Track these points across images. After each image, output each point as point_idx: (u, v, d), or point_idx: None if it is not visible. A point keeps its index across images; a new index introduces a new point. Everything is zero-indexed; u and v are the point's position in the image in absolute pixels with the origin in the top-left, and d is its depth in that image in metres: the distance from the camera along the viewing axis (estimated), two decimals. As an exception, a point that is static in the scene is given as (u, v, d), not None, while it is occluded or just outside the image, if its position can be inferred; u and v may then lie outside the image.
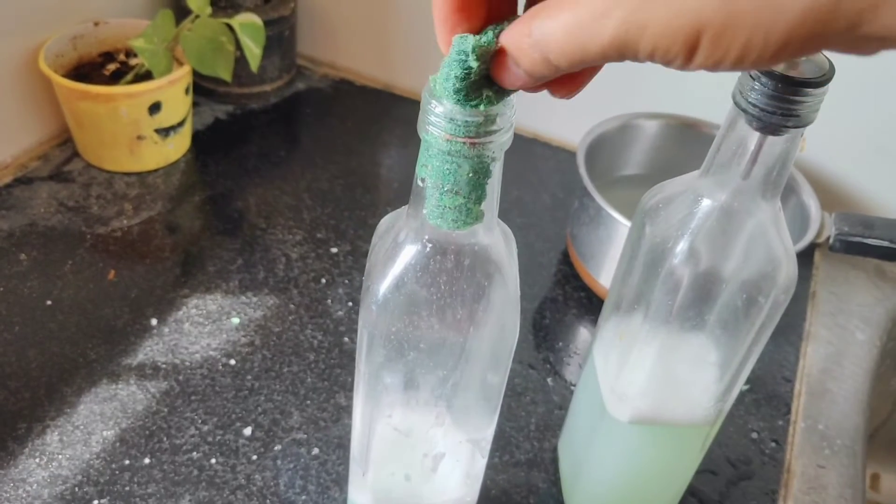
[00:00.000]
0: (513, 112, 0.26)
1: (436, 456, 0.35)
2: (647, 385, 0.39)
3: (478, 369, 0.31)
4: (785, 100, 0.30)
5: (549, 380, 0.56)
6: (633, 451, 0.43)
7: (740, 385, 0.40)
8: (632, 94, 0.71)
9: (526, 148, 0.78)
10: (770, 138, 0.31)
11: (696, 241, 0.34)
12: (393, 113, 0.79)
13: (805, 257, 0.68)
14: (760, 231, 0.34)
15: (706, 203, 0.34)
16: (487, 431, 0.35)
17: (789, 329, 0.63)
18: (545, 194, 0.73)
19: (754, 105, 0.30)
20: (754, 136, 0.32)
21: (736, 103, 0.31)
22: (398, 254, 0.30)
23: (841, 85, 0.64)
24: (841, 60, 0.66)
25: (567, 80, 0.24)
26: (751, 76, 0.30)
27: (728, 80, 0.71)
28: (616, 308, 0.40)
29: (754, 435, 0.54)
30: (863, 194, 0.69)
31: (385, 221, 0.32)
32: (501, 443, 0.51)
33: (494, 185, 0.28)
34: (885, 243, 0.56)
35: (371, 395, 0.33)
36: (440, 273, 0.29)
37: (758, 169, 0.32)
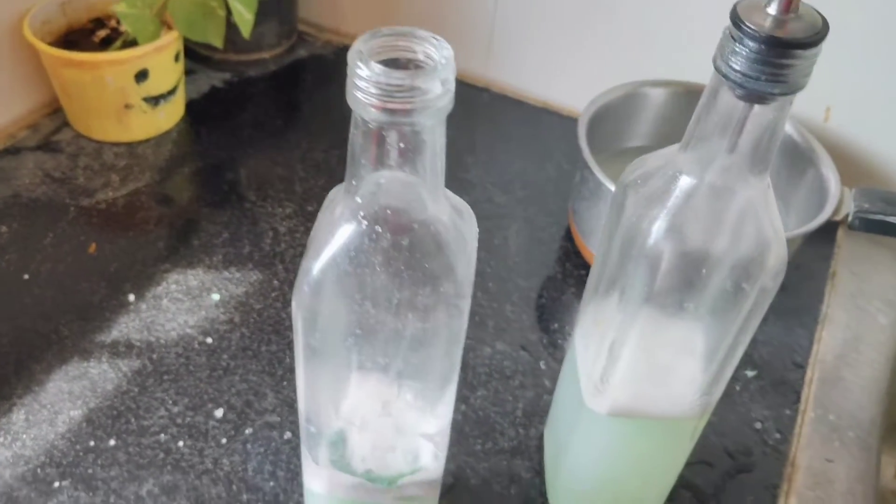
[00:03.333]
0: (446, 77, 0.23)
1: (387, 448, 0.33)
2: (627, 375, 0.36)
3: (422, 358, 0.28)
4: (771, 63, 0.26)
5: (541, 363, 0.53)
6: (613, 444, 0.40)
7: (728, 376, 0.36)
8: (647, 61, 0.67)
9: (534, 117, 0.74)
10: (756, 107, 0.28)
11: (675, 219, 0.31)
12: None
13: (826, 235, 0.64)
14: (747, 210, 0.31)
15: (687, 179, 0.31)
16: (442, 424, 0.32)
17: (804, 311, 0.59)
18: (550, 166, 0.69)
19: (737, 70, 0.27)
20: (738, 106, 0.28)
21: (717, 68, 0.28)
22: (335, 231, 0.27)
23: (870, 50, 0.60)
24: (869, 26, 0.61)
25: None
26: (732, 37, 0.27)
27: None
28: (595, 291, 0.37)
29: (758, 425, 0.51)
30: (890, 169, 0.65)
31: (332, 193, 0.30)
32: (485, 429, 0.48)
33: (436, 156, 0.25)
34: (909, 222, 0.52)
35: (311, 383, 0.30)
36: (375, 253, 0.26)
37: (743, 142, 0.29)
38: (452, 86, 0.24)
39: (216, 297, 0.54)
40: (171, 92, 0.65)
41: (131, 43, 0.62)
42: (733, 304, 0.33)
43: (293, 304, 0.28)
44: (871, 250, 0.65)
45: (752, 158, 0.29)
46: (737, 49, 0.26)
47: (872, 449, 0.52)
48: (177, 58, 0.65)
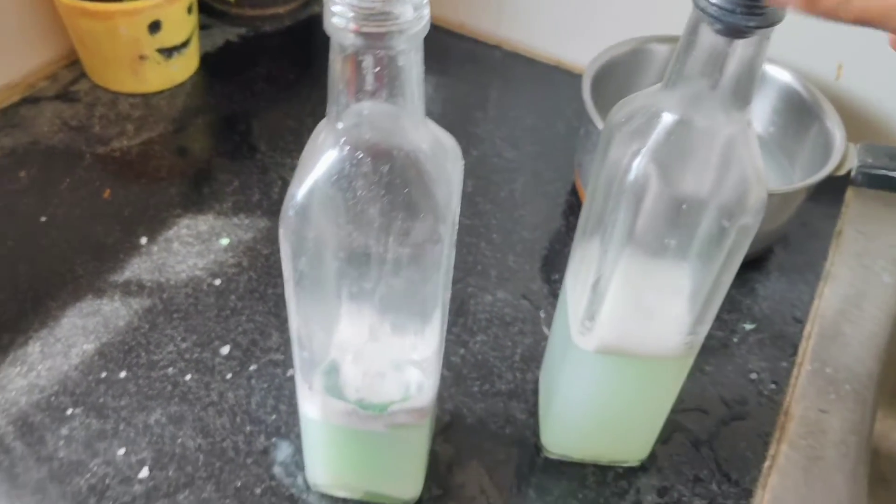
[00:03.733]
0: (418, 2, 0.24)
1: (376, 374, 0.34)
2: (613, 314, 0.37)
3: (404, 283, 0.29)
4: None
5: (540, 312, 0.54)
6: (601, 382, 0.41)
7: (713, 316, 0.37)
8: (657, 18, 0.66)
9: (545, 75, 0.75)
10: (734, 42, 0.28)
11: (656, 155, 0.31)
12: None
13: (834, 195, 0.64)
14: (728, 147, 0.31)
15: (667, 117, 0.31)
16: (427, 352, 0.33)
17: (806, 267, 0.59)
18: (560, 122, 0.69)
19: (714, 4, 0.27)
20: (717, 41, 0.28)
21: (695, 3, 0.28)
22: (318, 158, 0.28)
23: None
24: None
25: None
26: None
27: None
28: (583, 232, 0.38)
29: (753, 375, 0.51)
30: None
31: (319, 126, 0.31)
32: (483, 372, 0.50)
33: (414, 84, 0.26)
34: (913, 176, 0.52)
35: (301, 309, 0.31)
36: (356, 178, 0.27)
37: (723, 78, 0.29)
38: (426, 11, 0.24)
39: (225, 241, 0.56)
40: (185, 44, 0.67)
41: (147, -5, 0.64)
42: (715, 242, 0.34)
43: (280, 230, 0.29)
44: (880, 211, 0.64)
45: (732, 94, 0.29)
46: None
47: (868, 402, 0.52)
48: (189, 10, 0.66)
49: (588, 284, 0.37)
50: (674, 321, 0.38)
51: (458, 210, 0.32)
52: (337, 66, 0.25)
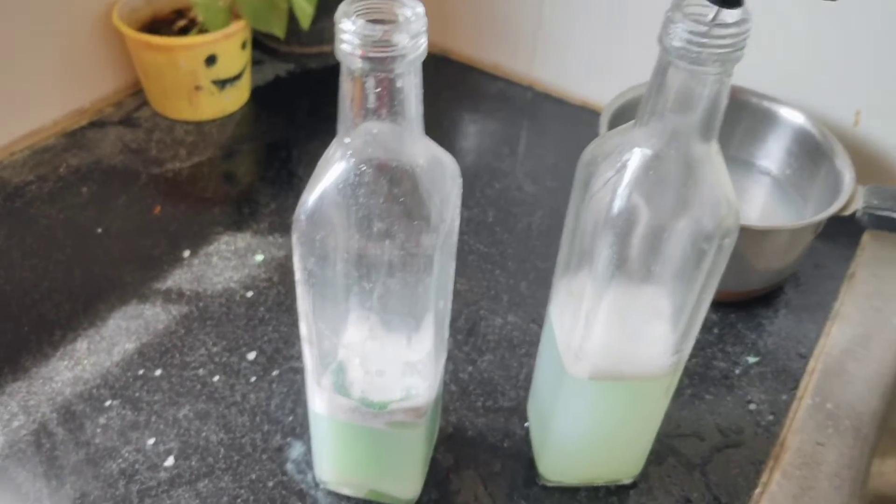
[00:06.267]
0: (415, 31, 0.28)
1: (376, 373, 0.37)
2: (603, 341, 0.39)
3: (398, 284, 0.33)
4: (708, 36, 0.30)
5: (550, 336, 0.56)
6: (595, 407, 0.43)
7: (695, 334, 0.40)
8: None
9: (572, 114, 0.78)
10: (700, 78, 0.31)
11: (636, 190, 0.34)
12: (445, 77, 0.81)
13: (850, 238, 0.65)
14: (700, 176, 0.34)
15: (644, 152, 0.34)
16: (421, 353, 0.37)
17: (816, 307, 0.60)
18: (583, 161, 0.72)
19: (679, 47, 0.30)
20: (683, 78, 0.31)
21: (662, 45, 0.31)
22: (328, 169, 0.32)
23: None
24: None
25: None
26: (671, 20, 0.30)
27: (771, 44, 0.69)
28: (566, 266, 0.41)
29: (752, 406, 0.53)
30: (914, 173, 0.66)
31: (332, 143, 0.35)
32: (488, 388, 0.52)
33: (413, 104, 0.30)
34: (915, 219, 0.53)
35: (311, 308, 0.35)
36: (360, 187, 0.31)
37: (690, 112, 0.32)
38: (423, 40, 0.28)
39: (259, 257, 0.60)
40: (238, 77, 0.72)
41: (205, 31, 0.70)
42: (695, 264, 0.36)
43: (293, 234, 0.33)
44: (895, 255, 0.66)
45: (700, 127, 0.32)
46: (679, 28, 0.30)
47: (868, 440, 0.53)
48: (244, 45, 0.72)
49: (578, 316, 0.39)
50: (660, 342, 0.40)
51: (455, 223, 0.35)
52: (346, 88, 0.29)
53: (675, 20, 0.30)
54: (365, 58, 0.28)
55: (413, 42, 0.28)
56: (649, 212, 0.35)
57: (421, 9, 0.28)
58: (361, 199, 0.31)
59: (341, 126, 0.31)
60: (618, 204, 0.35)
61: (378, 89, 0.29)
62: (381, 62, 0.28)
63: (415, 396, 0.39)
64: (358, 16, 0.28)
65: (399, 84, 0.29)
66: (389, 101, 0.29)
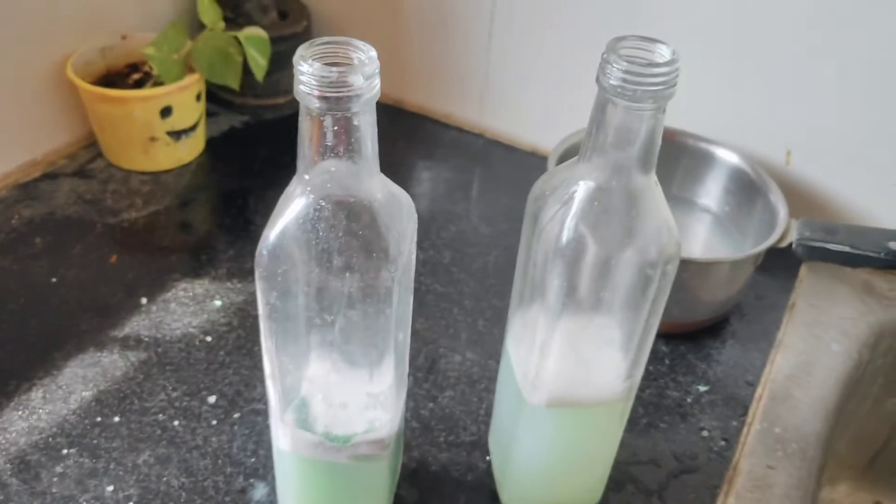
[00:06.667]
0: (369, 73, 0.30)
1: (339, 405, 0.38)
2: (558, 369, 0.40)
3: (359, 315, 0.34)
4: (642, 75, 0.32)
5: (508, 371, 0.58)
6: (555, 434, 0.44)
7: (645, 359, 0.41)
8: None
9: (523, 160, 0.81)
10: (637, 114, 0.34)
11: (583, 221, 0.36)
12: (400, 126, 0.84)
13: (788, 271, 0.68)
14: (641, 206, 0.36)
15: (588, 185, 0.36)
16: (383, 385, 0.37)
17: (760, 336, 0.63)
18: (533, 203, 0.75)
19: (616, 85, 0.33)
20: (621, 114, 0.34)
21: (601, 85, 0.33)
22: (288, 205, 0.33)
23: (829, 99, 0.65)
24: (831, 75, 0.66)
25: None
26: (607, 61, 0.33)
27: (706, 90, 0.72)
28: (520, 299, 0.42)
29: (705, 433, 0.55)
30: (843, 205, 0.69)
31: (291, 181, 0.36)
32: (449, 424, 0.53)
33: (368, 141, 0.32)
34: (846, 248, 0.57)
35: (273, 343, 0.36)
36: (319, 221, 0.32)
37: (629, 146, 0.34)
38: (376, 81, 0.30)
39: (218, 303, 0.61)
40: (193, 128, 0.73)
41: (160, 84, 0.71)
42: (641, 290, 0.38)
43: (255, 269, 0.34)
44: (832, 285, 0.69)
45: (639, 160, 0.35)
46: (616, 68, 0.32)
47: (815, 461, 0.55)
48: (198, 97, 0.73)
49: (533, 347, 0.41)
50: (612, 369, 0.42)
51: (412, 257, 0.37)
52: (304, 127, 0.31)
53: (611, 61, 0.32)
54: (322, 97, 0.29)
55: (368, 83, 0.30)
56: (596, 241, 0.37)
57: (373, 52, 0.30)
58: (321, 233, 0.32)
59: (300, 164, 0.32)
60: (566, 235, 0.37)
61: (335, 128, 0.30)
62: (337, 101, 0.29)
63: (378, 429, 0.40)
64: (314, 59, 0.30)
65: (355, 122, 0.30)
66: (346, 139, 0.31)
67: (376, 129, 0.32)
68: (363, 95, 0.30)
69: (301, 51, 0.30)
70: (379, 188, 0.33)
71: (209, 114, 0.79)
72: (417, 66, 0.85)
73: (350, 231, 0.32)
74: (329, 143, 0.31)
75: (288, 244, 0.33)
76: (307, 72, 0.29)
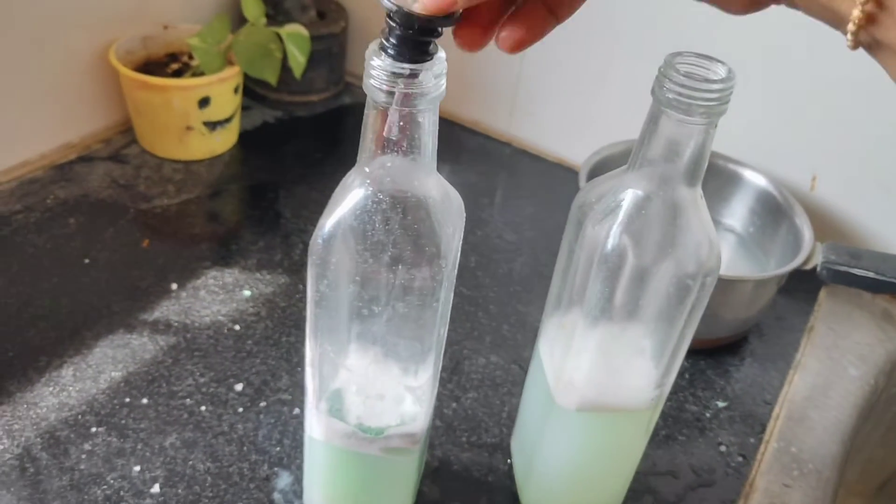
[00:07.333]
0: (437, 72, 0.30)
1: (376, 396, 0.39)
2: (591, 374, 0.41)
3: (407, 308, 0.35)
4: (697, 90, 0.33)
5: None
6: (582, 438, 0.45)
7: (676, 370, 0.42)
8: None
9: (549, 171, 0.82)
10: (689, 128, 0.34)
11: (627, 230, 0.37)
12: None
13: (808, 294, 0.69)
14: (685, 218, 0.37)
15: (635, 194, 0.37)
16: (422, 379, 0.38)
17: (779, 356, 0.63)
18: (558, 212, 0.75)
19: (671, 98, 0.33)
20: (674, 128, 0.35)
21: (655, 97, 0.34)
22: (346, 195, 0.34)
23: (856, 127, 0.66)
24: (859, 103, 0.67)
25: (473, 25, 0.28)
26: (664, 74, 0.33)
27: (737, 112, 0.73)
28: (558, 303, 0.43)
29: (723, 448, 0.55)
30: (867, 231, 0.70)
31: (349, 173, 0.37)
32: (472, 424, 0.54)
33: (430, 138, 0.32)
34: (871, 274, 0.57)
35: (318, 330, 0.37)
36: (376, 213, 0.33)
37: (679, 160, 0.35)
38: (443, 81, 0.31)
39: (247, 293, 0.61)
40: (228, 120, 0.74)
41: (199, 74, 0.72)
42: (680, 300, 0.39)
43: (309, 258, 0.35)
44: (850, 310, 0.70)
45: (687, 173, 0.35)
46: (672, 81, 0.33)
47: (830, 482, 0.56)
48: (236, 90, 0.74)
49: (568, 350, 0.42)
50: (644, 377, 0.43)
51: (458, 255, 0.38)
52: (369, 120, 0.32)
53: (668, 75, 0.33)
54: (390, 92, 0.30)
55: (436, 82, 0.30)
56: (639, 250, 0.38)
57: (443, 54, 0.31)
58: (377, 225, 0.33)
59: (361, 156, 0.33)
60: (611, 242, 0.37)
61: (400, 123, 0.31)
62: (405, 97, 0.30)
63: (411, 422, 0.40)
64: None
65: (420, 119, 0.31)
66: (409, 135, 0.32)
67: (437, 128, 0.33)
68: (430, 93, 0.30)
69: (374, 46, 0.31)
70: (434, 186, 0.34)
71: (243, 107, 0.80)
72: (449, 73, 0.85)
73: (405, 225, 0.33)
74: (392, 138, 0.32)
75: (343, 234, 0.33)
76: (378, 66, 0.30)
